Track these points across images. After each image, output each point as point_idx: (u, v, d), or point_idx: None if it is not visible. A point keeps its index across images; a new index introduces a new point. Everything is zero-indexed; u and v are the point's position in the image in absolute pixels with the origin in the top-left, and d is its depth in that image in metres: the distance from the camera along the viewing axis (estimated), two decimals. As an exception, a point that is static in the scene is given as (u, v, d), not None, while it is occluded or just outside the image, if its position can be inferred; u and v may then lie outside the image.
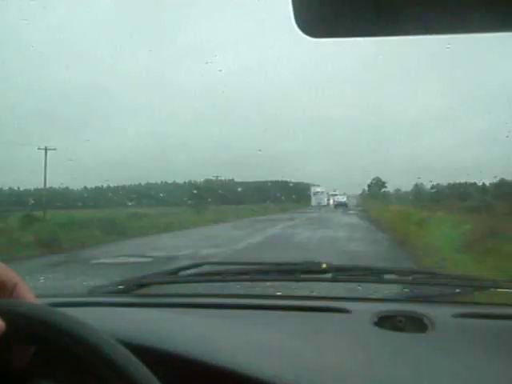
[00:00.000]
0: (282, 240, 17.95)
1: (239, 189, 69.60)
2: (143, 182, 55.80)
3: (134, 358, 0.92)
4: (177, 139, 66.36)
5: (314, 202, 65.79)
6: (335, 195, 68.87)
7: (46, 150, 37.59)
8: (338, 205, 60.58)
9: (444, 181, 47.81)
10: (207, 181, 67.15)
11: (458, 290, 2.10)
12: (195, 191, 57.09)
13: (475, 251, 11.77)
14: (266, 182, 69.89)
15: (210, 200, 57.00)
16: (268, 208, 51.81)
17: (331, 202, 67.10)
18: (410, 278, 2.14)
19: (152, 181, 58.06)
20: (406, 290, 2.23)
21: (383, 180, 65.97)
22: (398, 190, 62.82)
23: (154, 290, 2.28)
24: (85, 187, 46.20)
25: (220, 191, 62.73)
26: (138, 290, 2.24)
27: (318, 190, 68.06)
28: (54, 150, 37.96)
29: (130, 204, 35.31)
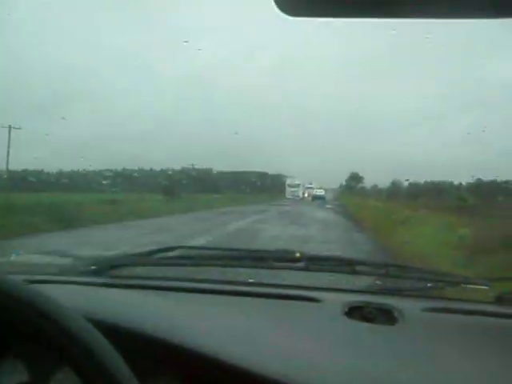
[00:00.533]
0: (244, 239, 14.95)
1: (216, 178, 67.31)
2: (120, 168, 54.33)
3: (96, 333, 0.95)
4: (157, 125, 64.14)
5: (288, 194, 64.95)
6: (311, 188, 67.21)
7: (9, 128, 35.42)
8: (316, 198, 57.99)
9: (421, 179, 47.78)
10: (184, 169, 65.19)
11: (429, 285, 2.10)
12: (167, 179, 54.76)
13: (491, 266, 8.70)
14: (243, 173, 68.16)
15: (184, 188, 53.98)
16: (243, 198, 50.03)
17: (306, 194, 65.67)
18: (383, 270, 2.15)
19: (129, 167, 56.55)
20: (378, 282, 2.23)
21: (361, 175, 64.67)
22: (375, 186, 61.69)
23: (126, 271, 2.24)
24: (60, 170, 45.35)
25: (196, 180, 60.34)
26: (110, 270, 2.21)
27: (293, 182, 66.80)
28: (18, 129, 36.04)
29: (103, 189, 33.90)
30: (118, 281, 2.08)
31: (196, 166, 65.03)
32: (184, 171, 58.84)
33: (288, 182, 66.92)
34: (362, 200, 43.07)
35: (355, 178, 64.66)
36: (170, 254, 2.36)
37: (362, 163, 65.10)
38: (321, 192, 62.57)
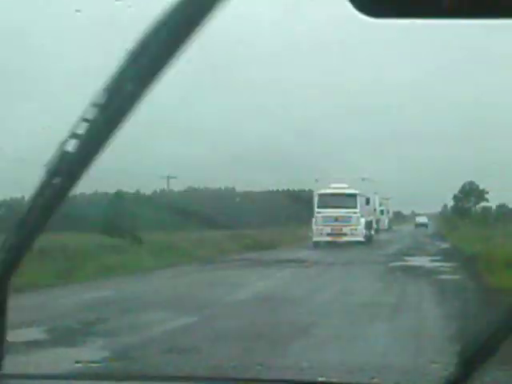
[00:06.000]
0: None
1: (239, 203, 40.54)
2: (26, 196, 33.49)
3: None
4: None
5: (318, 229, 27.98)
6: (381, 211, 37.90)
7: None
8: (419, 226, 44.86)
9: None
10: (184, 193, 40.10)
11: None
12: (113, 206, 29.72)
13: None
14: (275, 193, 41.58)
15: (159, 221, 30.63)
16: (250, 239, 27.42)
17: (382, 223, 37.07)
18: None
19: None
20: None
21: (481, 187, 37.36)
22: (503, 206, 36.80)
23: None
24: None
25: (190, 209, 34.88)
26: None
27: (335, 190, 28.67)
28: None
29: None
30: None
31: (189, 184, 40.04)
32: (160, 194, 34.04)
33: (318, 190, 29.58)
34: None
35: (472, 192, 36.95)
36: None
37: (480, 168, 38.36)
38: (423, 219, 46.71)
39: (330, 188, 27.95)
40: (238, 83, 54.49)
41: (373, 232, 30.33)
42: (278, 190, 41.85)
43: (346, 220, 26.85)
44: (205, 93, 49.52)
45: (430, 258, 19.02)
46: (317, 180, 29.51)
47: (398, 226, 50.95)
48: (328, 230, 26.81)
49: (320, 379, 2.13)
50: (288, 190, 42.18)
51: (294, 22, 51.34)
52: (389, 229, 44.70)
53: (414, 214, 49.94)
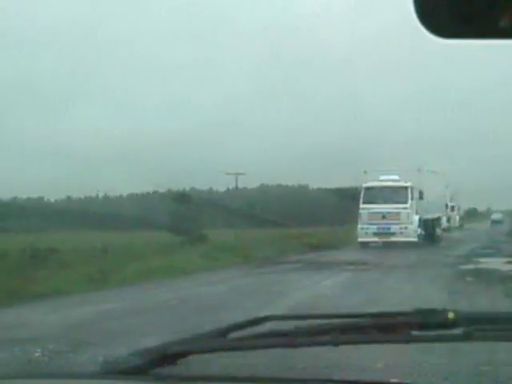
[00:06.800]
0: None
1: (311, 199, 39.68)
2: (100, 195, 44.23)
3: None
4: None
5: (363, 227, 23.91)
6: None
7: None
8: (494, 223, 44.86)
9: None
10: (257, 190, 40.57)
11: None
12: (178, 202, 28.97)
13: None
14: (349, 190, 40.08)
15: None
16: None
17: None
18: None
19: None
20: None
21: None
22: None
23: (190, 362, 1.39)
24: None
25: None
26: (162, 366, 1.34)
27: (384, 182, 24.09)
28: None
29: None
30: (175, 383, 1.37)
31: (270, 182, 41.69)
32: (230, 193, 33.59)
33: (364, 183, 24.86)
34: None
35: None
36: (255, 330, 1.40)
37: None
38: (498, 216, 47.63)
39: (377, 180, 23.98)
40: (307, 85, 55.61)
41: (439, 232, 26.21)
42: (351, 187, 40.63)
43: (394, 217, 22.83)
44: (276, 92, 49.66)
45: (506, 259, 16.17)
46: (365, 172, 25.20)
47: (471, 223, 48.25)
48: (374, 228, 23.11)
49: (392, 380, 2.20)
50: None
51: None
52: (460, 227, 40.73)
53: (490, 211, 50.37)
